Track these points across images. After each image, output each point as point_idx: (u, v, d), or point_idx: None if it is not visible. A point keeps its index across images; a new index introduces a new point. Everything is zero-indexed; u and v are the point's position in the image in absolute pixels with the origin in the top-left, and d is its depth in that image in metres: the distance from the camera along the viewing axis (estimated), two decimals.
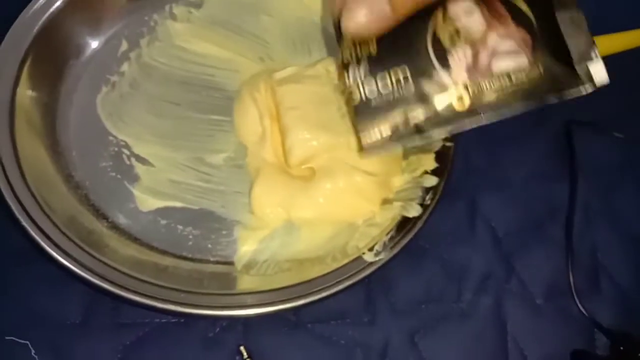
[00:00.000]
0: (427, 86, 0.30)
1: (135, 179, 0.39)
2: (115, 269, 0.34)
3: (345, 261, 0.35)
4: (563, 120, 0.44)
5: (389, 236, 0.36)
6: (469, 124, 0.30)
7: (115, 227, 0.37)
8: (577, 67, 0.29)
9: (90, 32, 0.42)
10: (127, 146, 0.40)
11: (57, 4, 0.40)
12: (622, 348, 0.36)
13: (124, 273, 0.34)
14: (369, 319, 0.37)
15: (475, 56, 0.30)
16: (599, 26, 0.38)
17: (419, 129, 0.30)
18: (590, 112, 0.45)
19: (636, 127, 0.44)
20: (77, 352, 0.35)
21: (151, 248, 0.37)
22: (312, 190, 0.38)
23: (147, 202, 0.38)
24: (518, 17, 0.30)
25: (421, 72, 0.30)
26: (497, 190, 0.42)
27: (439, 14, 0.30)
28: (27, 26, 0.39)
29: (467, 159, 0.42)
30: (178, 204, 0.38)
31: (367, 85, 0.30)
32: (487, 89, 0.30)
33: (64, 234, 0.34)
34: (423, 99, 0.30)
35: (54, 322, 0.36)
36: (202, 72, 0.43)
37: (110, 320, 0.36)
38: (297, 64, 0.42)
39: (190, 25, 0.45)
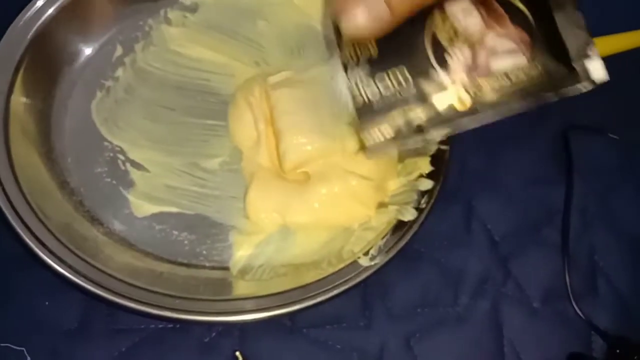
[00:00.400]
0: (427, 87, 0.30)
1: (130, 184, 0.39)
2: (110, 275, 0.34)
3: (341, 266, 0.35)
4: (560, 123, 0.44)
5: (384, 240, 0.36)
6: (470, 124, 0.30)
7: (110, 233, 0.37)
8: (575, 65, 0.29)
9: (83, 38, 0.42)
10: (122, 151, 0.40)
11: (50, 11, 0.40)
12: (618, 351, 0.36)
13: (119, 279, 0.34)
14: (365, 324, 0.37)
15: (474, 56, 0.30)
16: (595, 28, 0.38)
17: (420, 129, 0.30)
18: (587, 114, 0.45)
19: (633, 129, 0.44)
20: (73, 359, 0.35)
21: (146, 254, 0.37)
22: (307, 195, 0.37)
23: (143, 208, 0.38)
24: (516, 17, 0.30)
25: (421, 72, 0.30)
26: (494, 193, 0.42)
27: (437, 15, 0.30)
28: (20, 34, 0.39)
29: (463, 162, 0.42)
30: (173, 210, 0.38)
31: (368, 87, 0.30)
32: (486, 88, 0.30)
33: (58, 240, 0.34)
34: (424, 99, 0.30)
35: (50, 329, 0.36)
36: (197, 76, 0.43)
37: (106, 326, 0.36)
38: (292, 69, 0.42)
39: (185, 30, 0.45)
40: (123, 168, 0.39)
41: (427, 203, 0.37)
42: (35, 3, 0.40)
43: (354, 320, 0.37)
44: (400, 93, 0.30)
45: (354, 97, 0.30)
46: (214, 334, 0.36)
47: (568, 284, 0.39)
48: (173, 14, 0.45)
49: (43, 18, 0.39)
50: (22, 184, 0.35)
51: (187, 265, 0.37)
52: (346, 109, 0.31)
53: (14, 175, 0.36)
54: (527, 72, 0.30)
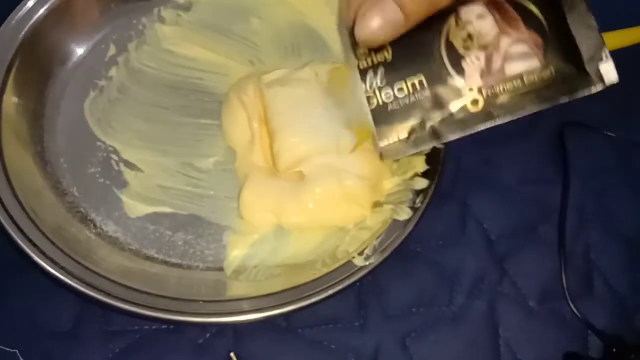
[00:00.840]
0: (442, 90, 0.31)
1: (123, 184, 0.39)
2: (103, 277, 0.33)
3: (336, 266, 0.35)
4: (556, 121, 0.44)
5: (379, 240, 0.36)
6: (483, 126, 0.31)
7: (103, 234, 0.37)
8: (587, 67, 0.30)
9: (75, 38, 0.42)
10: (115, 152, 0.40)
11: (41, 11, 0.39)
12: (614, 350, 0.36)
13: (112, 281, 0.33)
14: (360, 324, 0.37)
15: (489, 60, 0.30)
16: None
17: (434, 132, 0.31)
18: (583, 112, 0.44)
19: (629, 128, 0.44)
20: None
21: (140, 255, 0.36)
22: (301, 195, 0.37)
23: (136, 208, 0.38)
24: (529, 20, 0.30)
25: (436, 77, 0.30)
26: (490, 192, 0.42)
27: (452, 19, 0.31)
28: (11, 34, 0.39)
29: (458, 161, 0.42)
30: (167, 210, 0.38)
31: (384, 90, 0.31)
32: (500, 91, 0.30)
33: (51, 242, 0.34)
34: (438, 102, 0.31)
35: (43, 330, 0.35)
36: (191, 75, 0.43)
37: (99, 327, 0.36)
38: (287, 67, 0.42)
39: (179, 29, 0.45)
40: (116, 168, 0.39)
41: (422, 202, 0.37)
42: (26, 3, 0.39)
43: (349, 321, 0.37)
44: (415, 96, 0.31)
45: (368, 99, 0.31)
46: (208, 335, 0.36)
47: (564, 283, 0.38)
48: (167, 13, 0.45)
49: (34, 18, 0.39)
50: (14, 185, 0.35)
51: (181, 266, 0.36)
52: (354, 110, 0.32)
53: (7, 176, 0.35)
54: (540, 75, 0.30)
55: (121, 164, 0.39)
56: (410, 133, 0.31)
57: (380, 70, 0.31)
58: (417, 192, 0.37)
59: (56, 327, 0.35)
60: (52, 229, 0.35)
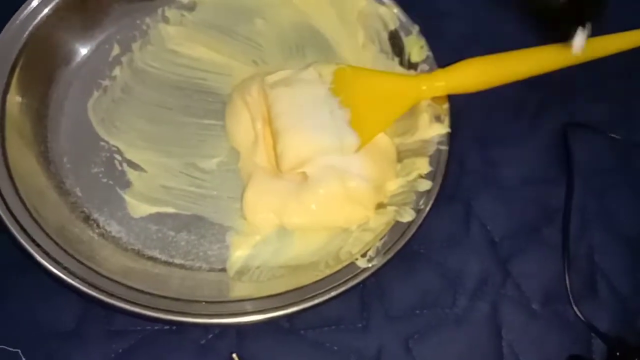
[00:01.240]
0: None
1: (127, 185, 0.39)
2: (106, 277, 0.34)
3: (339, 267, 0.35)
4: (559, 122, 0.44)
5: (382, 242, 0.35)
6: None
7: (106, 234, 0.37)
8: None
9: (79, 38, 0.42)
10: (119, 152, 0.40)
11: (45, 11, 0.40)
12: (618, 354, 0.36)
13: (115, 281, 0.33)
14: (363, 325, 0.37)
15: None
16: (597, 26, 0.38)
17: None
18: (587, 113, 0.44)
19: (633, 129, 0.44)
20: None
21: (143, 255, 0.36)
22: (304, 196, 0.37)
23: (139, 208, 0.38)
24: None
25: None
26: (493, 193, 0.42)
27: None
28: (15, 34, 0.39)
29: (462, 162, 0.42)
30: (170, 210, 0.38)
31: None
32: None
33: (54, 242, 0.34)
34: None
35: (46, 330, 0.35)
36: (195, 76, 0.43)
37: (102, 327, 0.36)
38: (290, 68, 0.42)
39: (183, 29, 0.45)
40: (120, 168, 0.39)
41: (426, 204, 0.37)
42: (30, 3, 0.40)
43: (352, 322, 0.37)
44: None
45: None
46: (210, 335, 0.36)
47: (568, 285, 0.38)
48: (171, 13, 0.45)
49: (38, 18, 0.39)
50: (18, 185, 0.35)
51: (184, 267, 0.36)
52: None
53: (10, 176, 0.35)
54: None
55: (124, 164, 0.39)
56: None
57: None
58: (421, 194, 0.37)
59: (59, 327, 0.35)
60: (55, 229, 0.35)
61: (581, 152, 0.43)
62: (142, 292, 0.33)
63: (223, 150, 0.40)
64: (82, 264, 0.34)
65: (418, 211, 0.36)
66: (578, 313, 0.37)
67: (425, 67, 0.42)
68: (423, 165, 0.38)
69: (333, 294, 0.34)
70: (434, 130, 0.40)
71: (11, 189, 0.35)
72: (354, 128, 0.38)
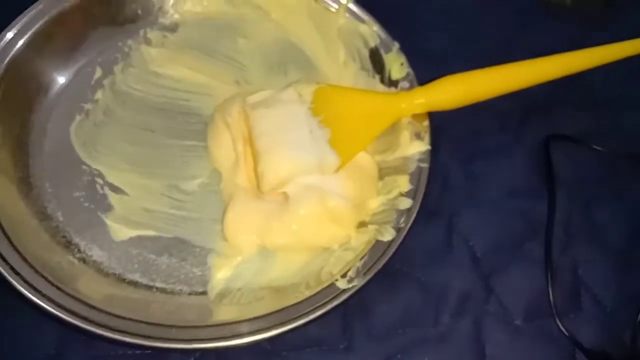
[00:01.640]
0: None
1: (108, 208, 0.39)
2: (86, 303, 0.33)
3: (319, 288, 0.35)
4: (541, 135, 0.44)
5: (362, 261, 0.35)
6: None
7: (87, 258, 0.37)
8: None
9: (58, 67, 0.42)
10: (100, 175, 0.40)
11: (20, 43, 0.40)
12: None
13: (95, 307, 0.33)
14: (345, 346, 0.37)
15: None
16: None
17: None
18: (569, 125, 0.44)
19: (615, 140, 0.44)
20: None
21: (123, 280, 0.36)
22: (285, 216, 0.37)
23: (121, 232, 0.38)
24: None
25: None
26: (475, 208, 0.41)
27: None
28: None
29: (444, 177, 0.42)
30: (151, 233, 0.38)
31: None
32: None
33: (33, 269, 0.34)
34: None
35: (26, 356, 0.35)
36: (178, 97, 0.43)
37: (83, 353, 0.36)
38: (273, 86, 0.42)
39: (165, 50, 0.45)
40: (101, 192, 0.39)
41: (406, 222, 0.37)
42: (4, 35, 0.40)
43: (334, 343, 0.37)
44: None
45: None
46: (191, 359, 0.36)
47: (551, 300, 0.38)
48: (153, 35, 0.45)
49: (14, 50, 0.40)
50: None
51: (165, 291, 0.36)
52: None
53: None
54: None
55: (106, 187, 0.39)
56: None
57: None
58: (402, 212, 0.37)
59: (40, 352, 0.35)
60: (34, 256, 0.35)
61: (564, 165, 0.43)
62: (122, 318, 0.33)
63: (205, 171, 0.40)
64: (62, 290, 0.33)
65: (398, 230, 0.36)
66: (562, 328, 0.37)
67: (405, 84, 0.42)
68: (404, 183, 0.38)
69: (313, 316, 0.34)
70: (414, 147, 0.40)
71: None
72: (334, 147, 0.38)
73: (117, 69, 0.43)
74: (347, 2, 0.44)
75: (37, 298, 0.33)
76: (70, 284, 0.34)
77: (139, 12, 0.45)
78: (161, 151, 0.41)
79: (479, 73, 0.40)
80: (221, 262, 0.37)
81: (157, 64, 0.44)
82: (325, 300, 0.34)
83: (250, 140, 0.39)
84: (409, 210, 0.37)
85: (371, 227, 0.37)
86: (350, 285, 0.35)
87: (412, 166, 0.39)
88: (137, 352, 0.36)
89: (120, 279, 0.36)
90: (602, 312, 0.39)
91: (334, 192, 0.37)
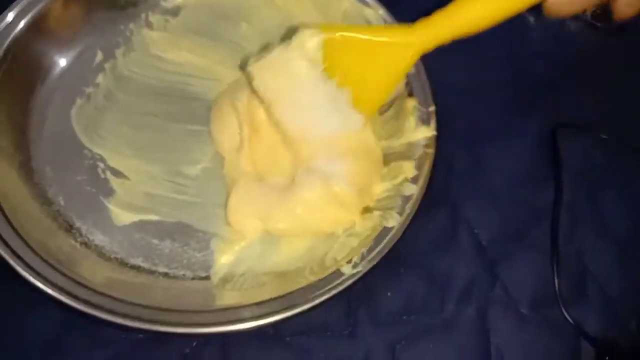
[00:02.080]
0: None
1: (110, 192, 0.38)
2: (88, 287, 0.33)
3: (324, 274, 0.34)
4: (548, 122, 0.43)
5: (367, 247, 0.35)
6: None
7: (89, 243, 0.37)
8: None
9: (59, 49, 0.42)
10: (102, 159, 0.39)
11: (21, 25, 0.39)
12: (607, 358, 0.35)
13: (97, 292, 0.33)
14: (350, 331, 0.36)
15: None
16: None
17: None
18: (575, 113, 0.44)
19: (621, 128, 0.43)
20: None
21: (126, 264, 0.36)
22: (289, 201, 0.37)
23: (122, 216, 0.38)
24: None
25: None
26: (481, 195, 0.41)
27: None
28: None
29: (449, 165, 0.42)
30: (154, 217, 0.38)
31: None
32: None
33: (36, 253, 0.34)
34: None
35: (28, 341, 0.35)
36: (179, 81, 0.43)
37: (85, 337, 0.35)
38: None
39: (167, 34, 0.44)
40: (103, 176, 0.39)
41: (411, 208, 0.36)
42: (5, 17, 0.39)
43: (338, 328, 0.36)
44: None
45: None
46: (194, 344, 0.35)
47: (557, 288, 0.38)
48: (154, 18, 0.44)
49: (15, 32, 0.39)
50: None
51: (167, 275, 0.36)
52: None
53: None
54: None
55: (108, 172, 0.39)
56: None
57: None
58: (407, 198, 0.37)
59: (41, 337, 0.35)
60: (36, 239, 0.34)
61: (570, 153, 0.42)
62: (124, 302, 0.33)
63: (207, 155, 0.40)
64: (64, 275, 0.33)
65: (403, 216, 0.36)
66: (567, 316, 0.37)
67: (411, 69, 0.41)
68: (409, 169, 0.38)
69: (317, 301, 0.33)
70: (420, 133, 0.39)
71: None
72: (357, 106, 0.37)
73: (118, 52, 0.43)
74: None
75: (39, 282, 0.33)
76: (72, 268, 0.34)
77: None
78: (163, 135, 0.41)
79: None
80: (224, 247, 0.37)
81: (159, 48, 0.44)
82: (330, 286, 0.34)
83: (271, 116, 0.38)
84: (414, 196, 0.37)
85: (376, 213, 0.37)
86: (354, 271, 0.34)
87: (418, 152, 0.38)
88: (140, 336, 0.35)
89: (123, 264, 0.36)
90: (607, 301, 0.38)
91: (338, 176, 0.37)
